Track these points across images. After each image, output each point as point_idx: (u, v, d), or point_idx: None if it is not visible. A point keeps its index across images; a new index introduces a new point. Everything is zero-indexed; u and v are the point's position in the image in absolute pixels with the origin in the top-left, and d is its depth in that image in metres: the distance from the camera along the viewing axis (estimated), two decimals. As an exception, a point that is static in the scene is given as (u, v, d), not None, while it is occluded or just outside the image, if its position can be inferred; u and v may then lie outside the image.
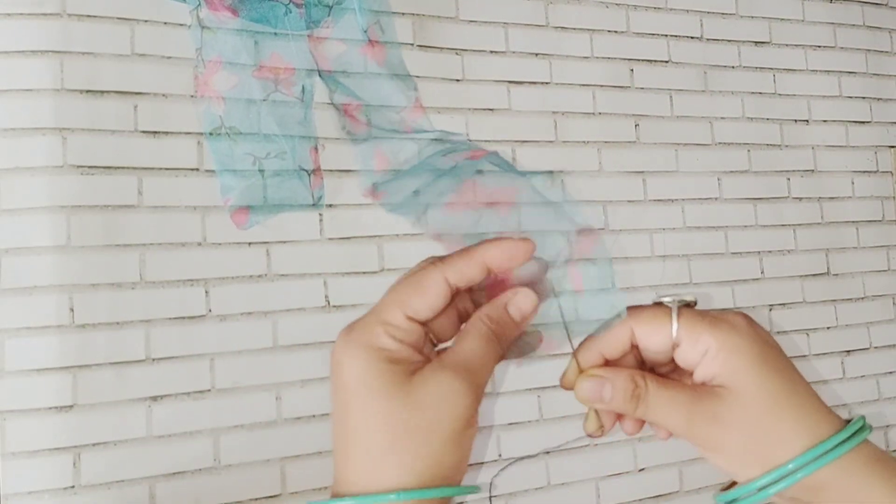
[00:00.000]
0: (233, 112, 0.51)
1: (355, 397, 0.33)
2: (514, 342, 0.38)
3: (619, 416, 0.38)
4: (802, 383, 0.36)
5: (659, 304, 0.37)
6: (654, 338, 0.37)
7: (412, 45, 0.58)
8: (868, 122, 0.75)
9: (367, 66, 0.54)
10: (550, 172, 0.40)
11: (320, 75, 0.53)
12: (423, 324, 0.35)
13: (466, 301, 0.38)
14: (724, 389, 0.35)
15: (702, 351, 0.35)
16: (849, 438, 0.34)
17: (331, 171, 0.54)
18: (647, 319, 0.37)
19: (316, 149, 0.53)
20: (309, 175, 0.52)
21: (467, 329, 0.36)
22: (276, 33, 0.51)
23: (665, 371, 0.38)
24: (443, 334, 0.37)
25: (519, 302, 0.37)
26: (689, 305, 0.37)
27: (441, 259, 0.36)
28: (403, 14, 0.57)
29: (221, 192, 0.51)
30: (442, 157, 0.45)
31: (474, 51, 0.60)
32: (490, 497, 0.56)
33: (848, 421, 0.36)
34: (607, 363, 0.38)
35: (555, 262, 0.39)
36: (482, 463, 0.57)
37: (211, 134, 0.51)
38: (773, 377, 0.35)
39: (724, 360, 0.35)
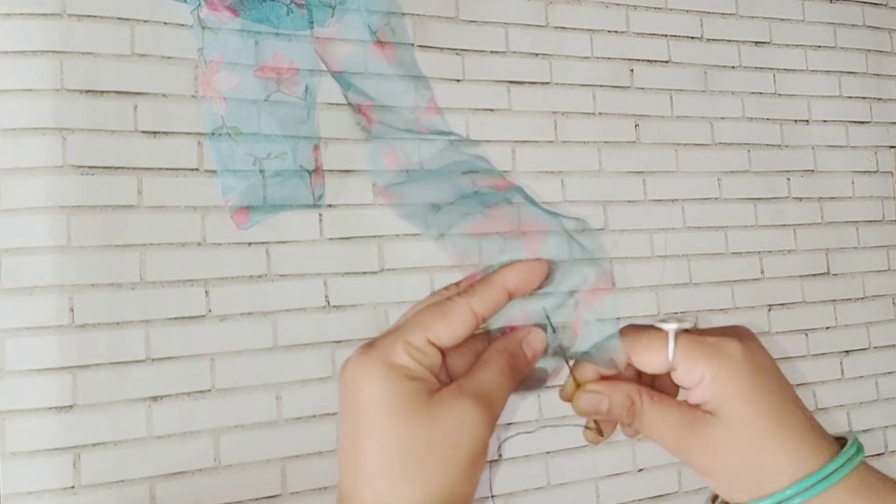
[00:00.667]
0: (234, 112, 0.51)
1: (373, 415, 0.33)
2: (525, 378, 0.38)
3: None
4: (796, 412, 0.36)
5: (656, 329, 0.38)
6: (651, 363, 0.37)
7: (412, 45, 0.58)
8: (868, 122, 0.75)
9: (378, 66, 0.53)
10: (580, 220, 0.40)
11: (332, 75, 0.52)
12: (443, 353, 0.35)
13: (484, 342, 0.38)
14: (716, 418, 0.36)
15: (697, 378, 0.36)
16: (838, 469, 0.34)
17: (331, 171, 0.55)
18: (643, 346, 0.37)
19: (318, 147, 0.53)
20: (310, 174, 0.52)
21: (485, 360, 0.36)
22: (277, 33, 0.51)
23: (663, 379, 0.39)
24: (457, 371, 0.37)
25: (532, 340, 0.38)
26: (687, 331, 0.37)
27: (465, 291, 0.36)
28: (403, 14, 0.57)
29: (222, 192, 0.51)
30: (461, 174, 0.45)
31: (474, 51, 0.60)
32: (492, 496, 0.56)
33: (842, 444, 0.35)
34: (604, 377, 0.38)
35: (561, 298, 0.40)
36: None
37: (212, 134, 0.51)
38: (765, 408, 0.35)
39: (718, 391, 0.36)
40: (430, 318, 0.35)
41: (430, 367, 0.34)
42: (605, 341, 0.38)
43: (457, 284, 0.37)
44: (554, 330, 0.39)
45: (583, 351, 0.39)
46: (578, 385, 0.38)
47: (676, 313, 0.64)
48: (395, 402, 0.33)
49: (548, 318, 0.39)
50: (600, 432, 0.40)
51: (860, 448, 0.35)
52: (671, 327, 0.37)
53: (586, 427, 0.40)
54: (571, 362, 0.39)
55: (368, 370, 0.34)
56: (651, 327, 0.38)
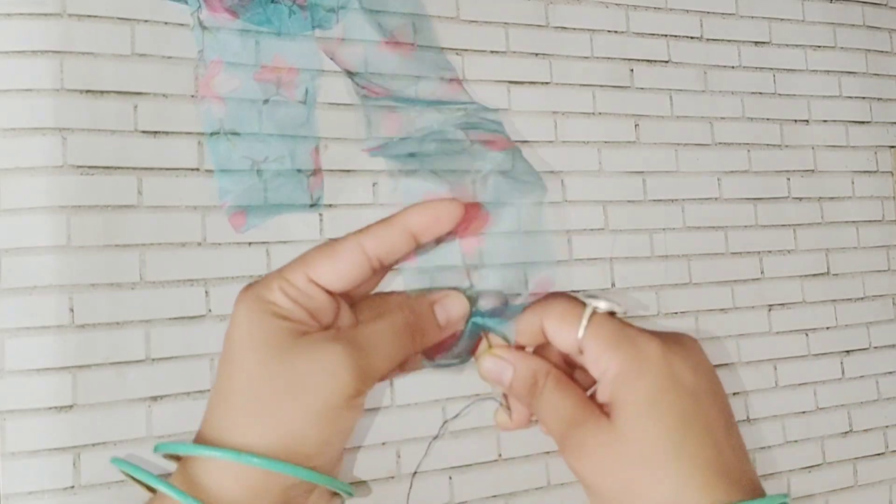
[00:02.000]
0: (233, 114, 0.51)
1: (233, 346, 0.31)
2: (438, 347, 0.35)
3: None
4: (703, 440, 0.30)
5: (577, 301, 0.34)
6: (560, 337, 0.34)
7: (440, 48, 0.58)
8: (868, 122, 0.75)
9: (392, 64, 0.52)
10: (541, 203, 0.38)
11: (348, 75, 0.52)
12: (337, 297, 0.32)
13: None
14: (607, 422, 0.31)
15: (601, 371, 0.32)
16: None
17: (332, 171, 0.54)
18: (556, 315, 0.34)
19: (317, 150, 0.53)
20: (308, 177, 0.52)
21: (381, 313, 0.33)
22: (278, 35, 0.51)
23: (585, 374, 0.35)
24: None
25: (448, 304, 0.35)
26: (612, 314, 0.33)
27: (360, 229, 0.33)
28: (404, 14, 0.57)
29: (219, 194, 0.51)
30: (457, 128, 0.43)
31: (474, 51, 0.60)
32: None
33: (762, 496, 0.30)
34: (519, 347, 0.35)
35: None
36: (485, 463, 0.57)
37: (211, 135, 0.51)
38: (661, 423, 0.30)
39: (616, 390, 0.32)
40: (314, 256, 0.33)
41: (308, 307, 0.32)
42: (512, 313, 0.34)
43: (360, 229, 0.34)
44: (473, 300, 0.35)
45: (489, 317, 0.35)
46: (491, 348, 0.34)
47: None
48: (256, 337, 0.31)
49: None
50: (510, 414, 0.36)
51: None
52: (591, 303, 0.33)
53: (500, 404, 0.37)
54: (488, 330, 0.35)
55: (241, 305, 0.32)
56: (575, 299, 0.34)
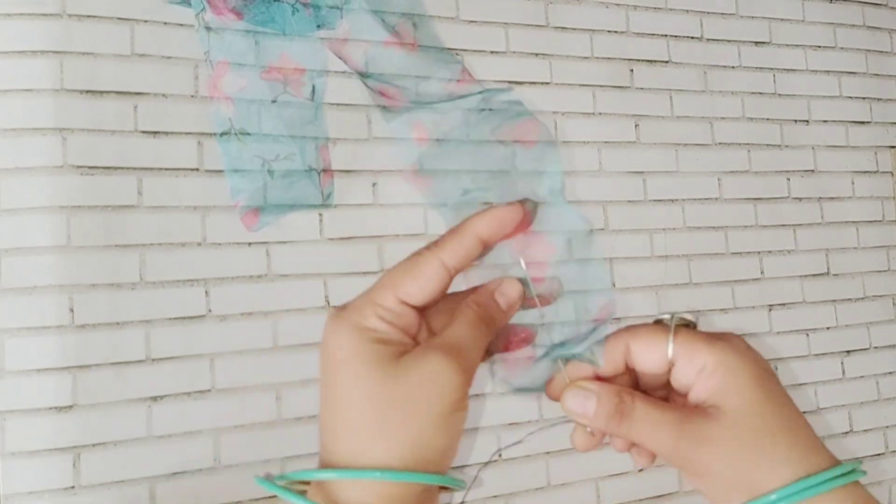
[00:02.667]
0: (242, 114, 0.50)
1: (342, 374, 0.33)
2: (502, 334, 0.37)
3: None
4: (798, 413, 0.35)
5: (657, 323, 0.36)
6: (650, 355, 0.36)
7: (441, 47, 0.58)
8: (868, 122, 0.75)
9: (399, 59, 0.52)
10: (591, 231, 0.40)
11: (360, 79, 0.52)
12: (420, 311, 0.35)
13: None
14: (717, 409, 0.34)
15: (698, 368, 0.34)
16: (838, 477, 0.32)
17: (333, 171, 0.54)
18: (643, 336, 0.36)
19: (325, 147, 0.53)
20: (318, 174, 0.52)
21: (456, 315, 0.35)
22: (283, 33, 0.51)
23: (660, 396, 0.37)
24: (440, 330, 0.36)
25: (505, 289, 0.37)
26: (688, 325, 0.36)
27: (435, 243, 0.35)
28: (429, 14, 0.57)
29: (231, 194, 0.51)
30: (490, 128, 0.43)
31: (474, 51, 0.60)
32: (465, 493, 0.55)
33: (840, 462, 0.34)
34: (599, 378, 0.37)
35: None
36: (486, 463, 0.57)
37: (220, 136, 0.50)
38: (769, 401, 0.34)
39: (721, 379, 0.34)
40: (399, 277, 0.34)
41: (403, 328, 0.34)
42: (591, 339, 0.37)
43: (435, 242, 0.36)
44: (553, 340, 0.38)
45: (571, 348, 0.37)
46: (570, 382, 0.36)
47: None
48: (363, 363, 0.32)
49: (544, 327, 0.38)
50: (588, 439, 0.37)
51: (861, 470, 0.33)
52: (672, 318, 0.36)
53: (574, 431, 0.38)
54: (565, 362, 0.37)
55: (340, 335, 0.33)
56: (651, 323, 0.37)
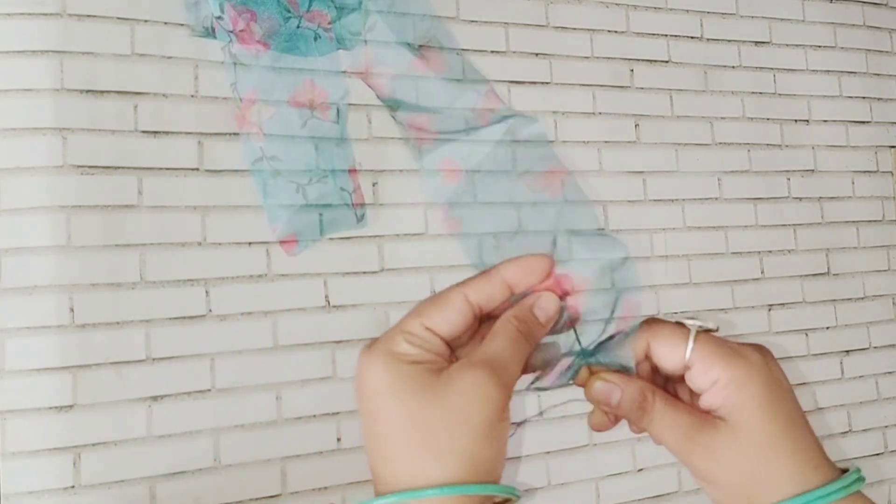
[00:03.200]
0: (272, 143, 0.51)
1: (382, 401, 0.34)
2: (539, 348, 0.39)
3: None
4: (805, 429, 0.36)
5: (679, 324, 0.38)
6: (668, 357, 0.37)
7: (459, 50, 0.58)
8: (868, 122, 0.75)
9: (426, 80, 0.54)
10: (626, 258, 0.41)
11: (380, 99, 0.53)
12: (446, 342, 0.36)
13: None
14: (725, 424, 0.36)
15: (711, 380, 0.36)
16: (835, 492, 0.34)
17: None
18: (663, 337, 0.38)
19: (355, 169, 0.54)
20: (350, 195, 0.53)
21: (495, 329, 0.37)
22: (306, 59, 0.52)
23: (677, 384, 0.39)
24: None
25: (543, 303, 0.38)
26: (708, 331, 0.38)
27: (463, 281, 0.37)
28: (441, 18, 0.58)
29: (269, 221, 0.52)
30: (519, 172, 0.45)
31: (474, 51, 0.60)
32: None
33: (844, 471, 0.36)
34: (619, 371, 0.39)
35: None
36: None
37: (252, 166, 0.51)
38: (775, 419, 0.36)
39: (730, 395, 0.36)
40: (424, 307, 0.36)
41: (432, 351, 0.35)
42: (620, 343, 0.38)
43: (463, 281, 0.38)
44: (578, 339, 0.39)
45: (597, 353, 0.39)
46: (593, 373, 0.38)
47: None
48: (402, 385, 0.34)
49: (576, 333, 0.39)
50: (605, 420, 0.40)
51: (861, 478, 0.35)
52: (694, 324, 0.37)
53: (592, 413, 0.40)
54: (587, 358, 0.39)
55: (373, 363, 0.35)
56: (674, 323, 0.38)
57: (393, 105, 0.52)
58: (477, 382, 0.34)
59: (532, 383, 0.40)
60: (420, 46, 0.53)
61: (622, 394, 0.37)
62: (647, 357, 0.39)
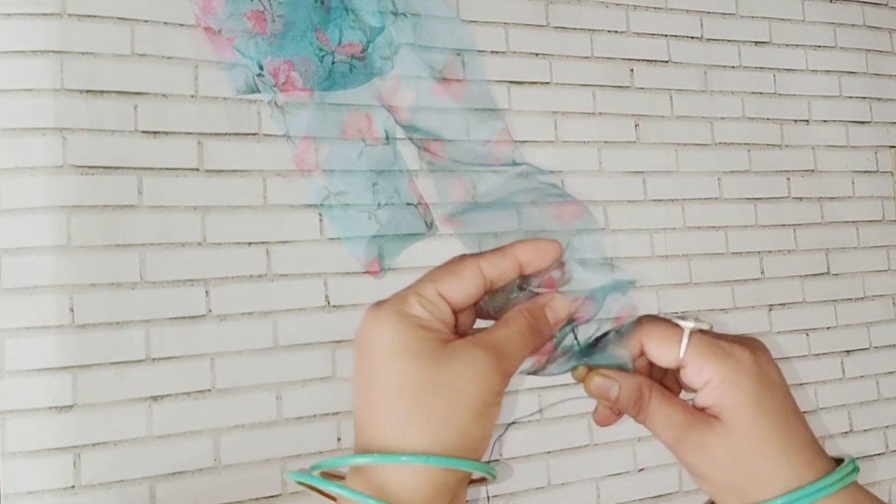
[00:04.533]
0: (334, 179, 0.53)
1: (384, 360, 0.34)
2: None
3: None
4: (798, 426, 0.37)
5: (672, 324, 0.38)
6: (662, 356, 0.38)
7: (485, 80, 0.58)
8: (868, 122, 0.75)
9: (443, 106, 0.55)
10: (632, 282, 0.42)
11: (398, 123, 0.54)
12: (455, 312, 0.36)
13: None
14: (718, 422, 0.36)
15: (704, 380, 0.37)
16: (831, 484, 0.35)
17: (332, 171, 0.55)
18: (657, 337, 0.38)
19: (413, 181, 0.55)
20: (417, 206, 0.54)
21: (506, 318, 0.37)
22: (346, 91, 0.53)
23: (678, 373, 0.39)
24: (466, 332, 0.37)
25: (556, 305, 0.39)
26: (702, 331, 0.38)
27: (477, 254, 0.37)
28: (478, 51, 0.58)
29: (351, 253, 0.53)
30: (528, 202, 0.46)
31: (474, 51, 0.60)
32: (488, 497, 0.56)
33: (839, 461, 0.36)
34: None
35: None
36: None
37: (321, 206, 0.53)
38: (767, 417, 0.36)
39: (723, 394, 0.36)
40: (440, 274, 0.36)
41: (441, 319, 0.35)
42: (615, 341, 0.39)
43: (476, 253, 0.38)
44: (575, 336, 0.40)
45: (592, 349, 0.40)
46: (591, 369, 0.39)
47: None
48: (407, 348, 0.33)
49: (574, 331, 0.40)
50: (607, 415, 0.40)
51: (855, 468, 0.36)
52: (688, 325, 0.38)
53: (595, 409, 0.41)
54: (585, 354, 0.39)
55: (381, 320, 0.34)
56: (668, 321, 0.39)
57: (411, 129, 0.54)
58: (480, 362, 0.34)
59: (529, 369, 0.40)
60: (444, 64, 0.55)
61: (620, 388, 0.38)
62: (643, 353, 0.39)
